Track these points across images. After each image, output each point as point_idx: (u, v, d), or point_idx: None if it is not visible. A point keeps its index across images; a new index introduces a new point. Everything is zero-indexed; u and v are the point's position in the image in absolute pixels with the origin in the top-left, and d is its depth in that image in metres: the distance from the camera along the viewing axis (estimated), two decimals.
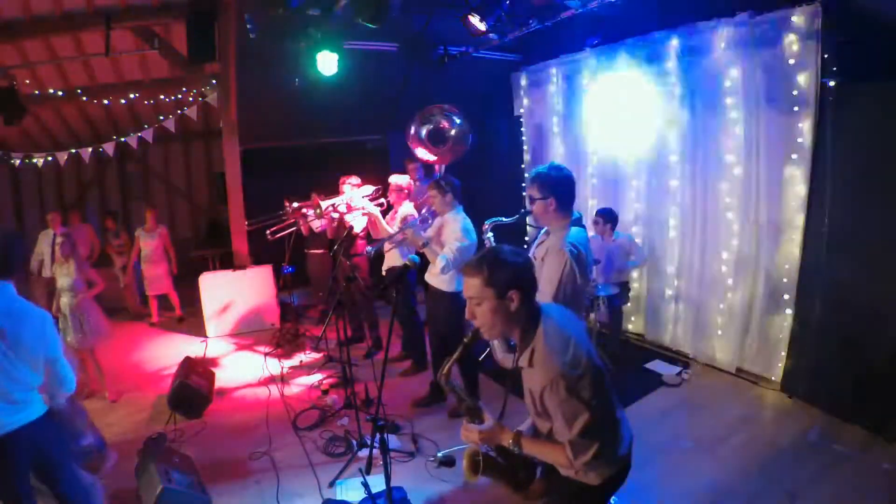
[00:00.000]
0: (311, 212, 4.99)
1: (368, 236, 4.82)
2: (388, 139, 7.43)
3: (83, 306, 4.32)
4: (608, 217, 4.68)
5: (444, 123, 4.96)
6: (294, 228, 5.32)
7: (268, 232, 5.26)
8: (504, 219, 2.83)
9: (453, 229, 3.67)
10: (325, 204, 4.66)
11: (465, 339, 1.76)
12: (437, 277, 3.78)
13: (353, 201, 4.68)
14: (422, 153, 5.05)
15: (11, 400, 2.29)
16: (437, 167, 5.45)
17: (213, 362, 5.14)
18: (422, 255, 3.59)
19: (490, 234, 2.81)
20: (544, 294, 2.36)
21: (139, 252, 6.41)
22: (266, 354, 5.32)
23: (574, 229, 2.45)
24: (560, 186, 2.43)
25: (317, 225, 5.40)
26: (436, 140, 4.98)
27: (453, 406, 3.95)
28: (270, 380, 4.73)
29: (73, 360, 3.34)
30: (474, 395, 3.83)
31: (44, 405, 2.42)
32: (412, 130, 4.93)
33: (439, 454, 3.45)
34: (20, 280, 2.47)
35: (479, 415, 1.83)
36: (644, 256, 4.84)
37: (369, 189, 4.82)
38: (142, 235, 6.40)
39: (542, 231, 2.62)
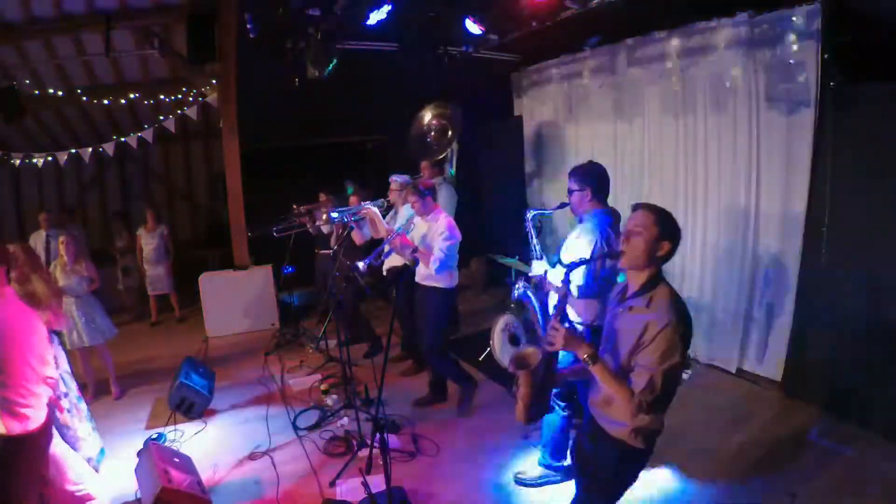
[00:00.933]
0: (322, 215, 4.99)
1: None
2: (388, 139, 7.43)
3: (91, 302, 4.36)
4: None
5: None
6: (298, 229, 5.31)
7: (273, 230, 5.23)
8: (546, 210, 3.41)
9: (439, 230, 3.72)
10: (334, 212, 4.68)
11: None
12: (432, 278, 3.78)
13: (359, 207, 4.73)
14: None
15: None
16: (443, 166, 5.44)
17: (213, 362, 5.13)
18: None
19: (533, 224, 3.14)
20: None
21: (141, 252, 6.42)
22: (266, 354, 5.32)
23: (602, 215, 2.75)
24: (594, 178, 2.77)
25: (327, 229, 5.37)
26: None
27: (459, 398, 4.00)
28: (270, 380, 4.73)
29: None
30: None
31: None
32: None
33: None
34: None
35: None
36: None
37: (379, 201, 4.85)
38: (143, 235, 6.41)
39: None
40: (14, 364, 2.24)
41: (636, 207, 1.89)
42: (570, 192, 2.82)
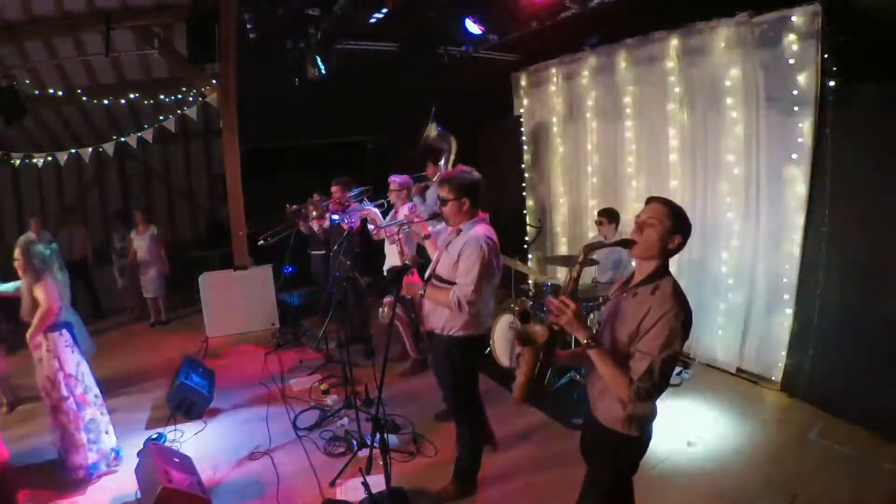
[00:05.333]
0: (313, 213, 5.00)
1: (364, 232, 4.83)
2: (388, 139, 7.44)
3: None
4: (612, 217, 4.67)
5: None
6: (291, 230, 5.31)
7: (259, 241, 5.23)
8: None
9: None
10: (322, 206, 4.70)
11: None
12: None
13: (346, 202, 4.74)
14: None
15: None
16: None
17: (213, 362, 5.13)
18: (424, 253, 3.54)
19: None
20: (464, 286, 2.57)
21: (135, 254, 6.39)
22: (266, 354, 5.32)
23: (484, 225, 2.71)
24: (472, 188, 2.66)
25: (318, 228, 5.39)
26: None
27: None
28: (270, 380, 4.73)
29: None
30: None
31: None
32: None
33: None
34: None
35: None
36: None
37: (357, 190, 4.86)
38: (135, 238, 6.36)
39: (440, 228, 3.02)
40: None
41: (650, 200, 1.92)
42: (444, 201, 2.64)
